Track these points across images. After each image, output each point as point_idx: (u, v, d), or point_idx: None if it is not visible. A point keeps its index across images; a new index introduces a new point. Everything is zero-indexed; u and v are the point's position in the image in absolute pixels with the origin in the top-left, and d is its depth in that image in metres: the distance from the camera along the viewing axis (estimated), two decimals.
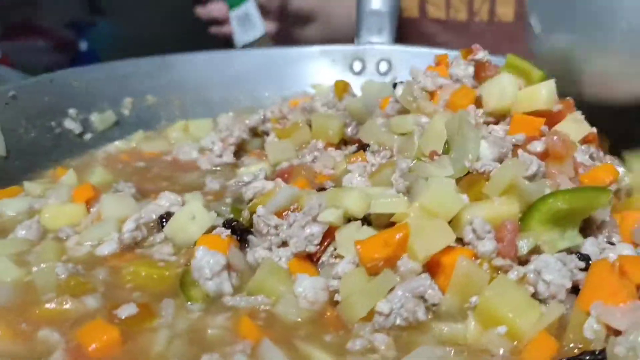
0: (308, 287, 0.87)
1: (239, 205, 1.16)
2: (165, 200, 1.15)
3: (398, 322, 0.83)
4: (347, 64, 2.08)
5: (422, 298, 0.85)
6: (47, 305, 0.89)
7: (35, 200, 1.25)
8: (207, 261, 0.91)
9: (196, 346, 0.81)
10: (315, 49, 2.09)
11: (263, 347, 0.79)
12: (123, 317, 0.86)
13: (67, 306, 0.88)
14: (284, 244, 0.96)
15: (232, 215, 1.10)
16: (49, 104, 1.64)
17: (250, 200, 1.11)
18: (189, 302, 0.90)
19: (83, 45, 4.36)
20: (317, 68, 2.07)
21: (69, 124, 1.65)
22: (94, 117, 1.70)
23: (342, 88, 1.59)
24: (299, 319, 0.85)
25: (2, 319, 0.87)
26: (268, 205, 1.01)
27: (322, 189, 1.11)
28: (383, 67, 2.06)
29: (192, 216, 1.05)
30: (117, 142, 1.69)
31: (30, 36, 4.22)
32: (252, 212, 1.03)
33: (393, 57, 2.04)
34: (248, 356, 0.78)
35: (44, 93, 1.64)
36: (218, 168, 1.51)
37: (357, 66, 2.07)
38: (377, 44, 2.08)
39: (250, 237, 1.02)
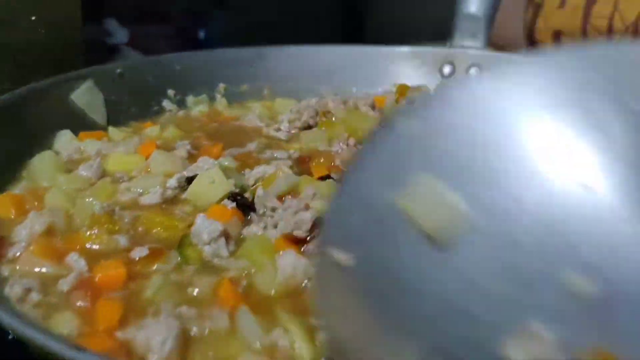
0: (289, 262, 0.90)
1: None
2: (203, 163, 1.23)
3: None
4: (436, 67, 2.08)
5: None
6: (83, 234, 1.01)
7: (110, 145, 1.40)
8: (206, 227, 0.98)
9: (181, 300, 0.88)
10: (406, 49, 2.11)
11: (240, 313, 0.84)
12: (136, 258, 0.95)
13: (98, 241, 1.00)
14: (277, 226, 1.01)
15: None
16: (151, 83, 1.81)
17: (253, 184, 1.17)
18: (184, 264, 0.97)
19: (201, 34, 4.63)
20: (406, 68, 2.09)
21: (166, 103, 1.81)
22: (189, 99, 1.84)
23: (401, 91, 1.60)
24: (273, 292, 0.89)
25: (45, 239, 1.00)
26: (269, 189, 1.07)
27: (327, 177, 1.14)
28: (473, 72, 2.03)
29: (212, 180, 1.13)
30: (201, 106, 1.82)
31: (156, 23, 4.56)
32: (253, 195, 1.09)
33: (485, 63, 2.01)
34: (224, 319, 0.84)
35: (148, 73, 1.81)
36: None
37: (446, 70, 2.07)
38: (470, 48, 2.06)
39: (252, 213, 1.08)
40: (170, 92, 1.84)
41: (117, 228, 1.05)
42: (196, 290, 0.90)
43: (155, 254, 0.96)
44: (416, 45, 2.11)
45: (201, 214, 1.02)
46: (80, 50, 1.81)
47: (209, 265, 0.97)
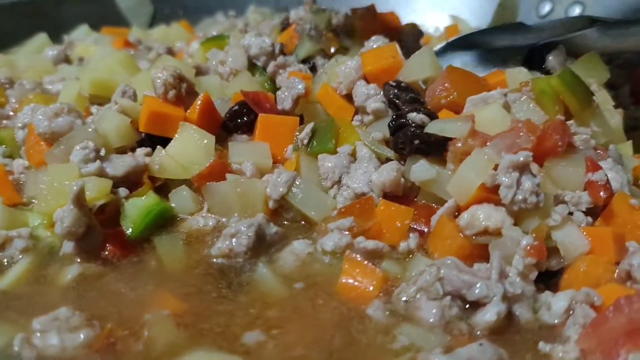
0: None
1: None
2: None
3: None
4: (533, 4, 1.67)
5: None
6: None
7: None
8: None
9: None
10: None
11: None
12: None
13: None
14: None
15: None
16: (211, 1, 1.87)
17: None
18: None
19: None
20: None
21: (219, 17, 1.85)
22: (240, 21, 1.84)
23: None
24: None
25: None
26: None
27: None
28: (575, 10, 1.58)
29: None
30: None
31: None
32: None
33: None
34: None
35: None
36: None
37: (544, 8, 1.65)
38: None
39: None
40: (231, 13, 1.87)
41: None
42: None
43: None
44: None
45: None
46: None
47: None
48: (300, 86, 1.02)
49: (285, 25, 1.33)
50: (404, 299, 0.70)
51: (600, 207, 0.79)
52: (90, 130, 0.88)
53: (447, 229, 0.78)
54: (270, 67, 1.12)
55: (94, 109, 1.04)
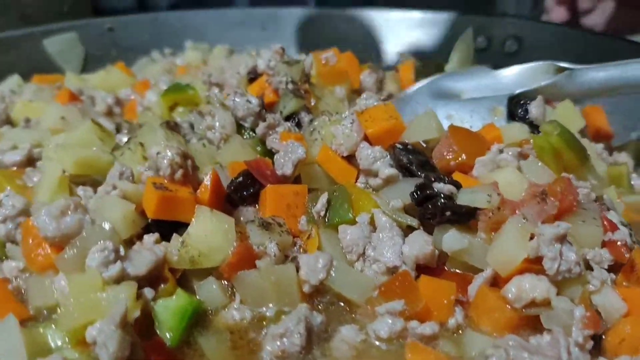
0: None
1: None
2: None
3: None
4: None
5: None
6: None
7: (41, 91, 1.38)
8: (2, 203, 0.91)
9: None
10: (443, 15, 1.81)
11: None
12: None
13: None
14: None
15: None
16: (145, 39, 1.76)
17: None
18: None
19: None
20: (434, 36, 1.80)
21: (155, 55, 1.75)
22: (180, 59, 1.76)
23: None
24: None
25: None
26: None
27: None
28: (511, 44, 1.67)
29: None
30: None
31: None
32: None
33: (525, 34, 1.64)
34: None
35: (143, 30, 1.77)
36: None
37: (480, 42, 1.73)
38: (511, 17, 1.70)
39: None
40: (167, 50, 1.78)
41: None
42: None
43: None
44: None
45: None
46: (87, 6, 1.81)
47: None
48: (300, 151, 1.00)
49: (253, 76, 1.29)
50: None
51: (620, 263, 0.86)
52: (106, 228, 0.79)
53: (491, 300, 0.80)
54: (261, 129, 1.08)
55: (80, 191, 0.94)
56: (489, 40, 1.71)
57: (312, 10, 1.91)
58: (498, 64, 1.34)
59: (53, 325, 0.74)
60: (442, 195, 0.86)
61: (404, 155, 0.95)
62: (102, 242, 0.77)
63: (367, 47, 1.78)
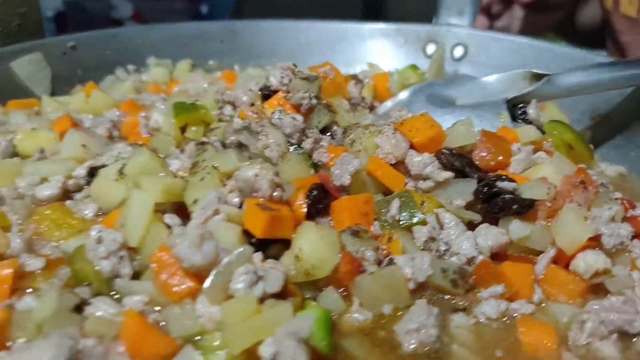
0: None
1: None
2: (119, 150, 1.13)
3: None
4: (419, 46, 1.94)
5: None
6: None
7: (35, 118, 1.31)
8: (102, 238, 0.87)
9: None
10: (391, 26, 1.97)
11: None
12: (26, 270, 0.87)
13: None
14: None
15: None
16: (109, 57, 1.71)
17: None
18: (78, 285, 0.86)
19: (204, 9, 4.53)
20: (388, 47, 1.95)
21: (120, 73, 1.71)
22: (145, 75, 1.74)
23: None
24: None
25: None
26: None
27: None
28: (458, 52, 1.88)
29: (117, 177, 1.01)
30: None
31: None
32: None
33: (471, 42, 1.86)
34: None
35: (105, 47, 1.71)
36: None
37: (430, 49, 1.92)
38: (456, 26, 1.91)
39: None
40: (130, 67, 1.73)
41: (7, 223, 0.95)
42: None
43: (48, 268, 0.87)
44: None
45: (97, 226, 0.89)
46: (39, 25, 1.71)
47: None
48: (355, 162, 1.09)
49: (267, 92, 1.33)
50: (583, 344, 0.86)
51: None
52: (248, 253, 0.82)
53: (561, 275, 0.96)
54: (309, 144, 1.15)
55: (167, 219, 0.94)
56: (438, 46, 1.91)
57: (268, 23, 1.96)
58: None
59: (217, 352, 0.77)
60: (507, 191, 1.01)
61: (455, 160, 1.08)
62: (245, 265, 0.80)
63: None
